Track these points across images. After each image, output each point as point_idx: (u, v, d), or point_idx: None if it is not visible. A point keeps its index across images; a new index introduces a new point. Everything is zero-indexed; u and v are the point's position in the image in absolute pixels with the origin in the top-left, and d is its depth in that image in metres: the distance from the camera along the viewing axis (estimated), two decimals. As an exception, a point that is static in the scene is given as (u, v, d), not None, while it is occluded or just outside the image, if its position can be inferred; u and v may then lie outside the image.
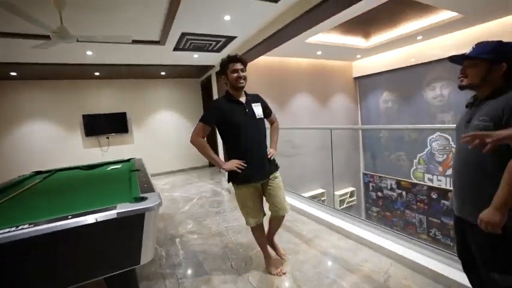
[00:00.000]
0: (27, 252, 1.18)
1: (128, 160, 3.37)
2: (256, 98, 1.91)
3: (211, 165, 6.83)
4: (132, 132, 6.04)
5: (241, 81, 1.73)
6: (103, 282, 1.47)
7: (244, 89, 1.82)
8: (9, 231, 1.14)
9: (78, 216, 1.26)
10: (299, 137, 5.87)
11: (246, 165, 1.74)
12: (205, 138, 1.86)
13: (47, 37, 2.83)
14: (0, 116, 4.93)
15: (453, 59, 1.19)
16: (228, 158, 1.82)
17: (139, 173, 2.35)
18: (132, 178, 2.17)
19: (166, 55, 4.32)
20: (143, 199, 1.50)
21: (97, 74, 5.14)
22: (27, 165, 4.82)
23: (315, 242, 2.39)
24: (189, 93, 6.65)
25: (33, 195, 2.04)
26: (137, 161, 3.15)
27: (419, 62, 5.35)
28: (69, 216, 1.26)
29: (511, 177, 0.91)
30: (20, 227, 1.17)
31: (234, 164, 1.74)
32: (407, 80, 5.79)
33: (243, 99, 1.81)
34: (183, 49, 4.07)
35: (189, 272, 2.11)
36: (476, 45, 1.13)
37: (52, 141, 5.37)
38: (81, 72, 4.94)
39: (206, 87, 6.43)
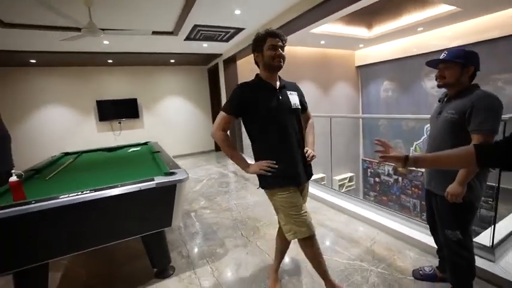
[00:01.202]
0: (89, 210, 1.53)
1: (146, 143, 3.71)
2: (294, 86, 1.57)
3: (217, 149, 7.19)
4: (143, 117, 6.36)
5: (280, 59, 1.40)
6: (140, 240, 1.83)
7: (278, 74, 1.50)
8: (77, 195, 1.49)
9: (126, 185, 1.60)
10: None
11: (277, 166, 1.39)
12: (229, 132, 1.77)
13: (71, 29, 3.12)
14: (21, 102, 5.26)
15: (429, 63, 1.47)
16: (257, 159, 1.47)
17: (162, 154, 2.69)
18: (156, 158, 2.50)
19: (178, 44, 4.56)
20: (173, 173, 1.85)
21: (110, 61, 5.40)
22: (47, 148, 5.21)
23: (314, 216, 2.72)
24: (196, 80, 6.90)
25: (77, 170, 2.39)
26: (154, 144, 3.49)
27: (420, 53, 5.53)
28: (119, 185, 1.60)
29: None
30: (84, 192, 1.52)
31: (262, 165, 1.40)
32: (407, 70, 5.98)
33: (276, 84, 1.47)
34: (194, 39, 4.30)
35: (206, 239, 2.48)
36: (449, 51, 1.40)
37: (68, 126, 5.72)
38: (95, 60, 5.20)
39: (213, 75, 6.68)
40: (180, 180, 1.72)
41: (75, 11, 2.69)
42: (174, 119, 6.73)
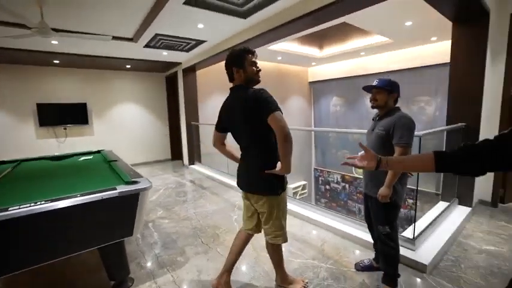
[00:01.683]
0: (43, 223, 1.46)
1: (98, 152, 3.52)
2: None
3: (173, 158, 7.03)
4: (93, 123, 5.94)
5: (259, 74, 1.59)
6: (96, 252, 1.78)
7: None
8: (30, 206, 1.42)
9: (87, 195, 1.57)
10: None
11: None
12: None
13: (18, 25, 2.88)
14: None
15: (364, 88, 1.79)
16: (268, 161, 1.50)
17: (119, 163, 2.62)
18: (114, 167, 2.43)
19: (136, 51, 4.45)
20: (135, 182, 1.85)
21: (56, 61, 4.98)
22: (-27, 155, 4.53)
23: (271, 221, 2.94)
24: (153, 87, 6.72)
25: (19, 181, 2.19)
26: (109, 153, 3.34)
27: (363, 74, 6.30)
28: (78, 195, 1.57)
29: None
30: (38, 203, 1.45)
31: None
32: (353, 88, 6.74)
33: None
34: (153, 47, 4.27)
35: (165, 248, 2.48)
36: (380, 79, 1.73)
37: (1, 131, 5.05)
38: (37, 59, 4.75)
39: (171, 82, 6.59)
40: (144, 189, 1.74)
41: (25, 8, 2.51)
42: (128, 126, 6.43)
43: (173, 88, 6.55)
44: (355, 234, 2.41)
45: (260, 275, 2.01)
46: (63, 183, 2.04)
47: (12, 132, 5.16)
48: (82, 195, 1.57)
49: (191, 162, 6.08)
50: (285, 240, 1.66)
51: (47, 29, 2.46)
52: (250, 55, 1.53)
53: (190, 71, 5.68)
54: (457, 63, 2.84)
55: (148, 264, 2.21)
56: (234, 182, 4.31)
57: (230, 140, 1.74)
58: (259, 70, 1.57)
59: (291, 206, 3.18)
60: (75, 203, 1.52)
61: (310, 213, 2.95)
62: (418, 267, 1.93)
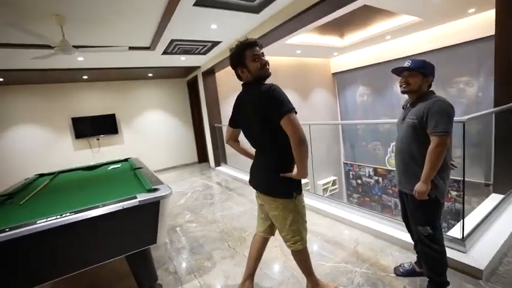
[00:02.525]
0: (68, 235, 1.49)
1: (126, 160, 3.63)
2: None
3: (200, 161, 7.14)
4: (122, 132, 6.22)
5: (268, 67, 1.40)
6: (124, 260, 1.80)
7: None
8: (56, 218, 1.45)
9: (108, 205, 1.58)
10: None
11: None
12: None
13: (44, 46, 3.05)
14: (-12, 122, 4.99)
15: (394, 71, 1.59)
16: (282, 163, 1.40)
17: (143, 170, 2.66)
18: (138, 175, 2.47)
19: (155, 58, 4.55)
20: (156, 190, 1.84)
21: (85, 77, 5.27)
22: (21, 171, 4.96)
23: (299, 222, 2.81)
24: (175, 93, 6.87)
25: (54, 192, 2.30)
26: (135, 160, 3.42)
27: (389, 59, 5.87)
28: (100, 205, 1.58)
29: (430, 159, 1.33)
30: (64, 215, 1.48)
31: None
32: (379, 75, 6.31)
33: None
34: (171, 53, 4.32)
35: (192, 253, 2.46)
36: (413, 60, 1.52)
37: (43, 145, 5.47)
38: (69, 76, 5.06)
39: (193, 87, 6.69)
40: (164, 196, 1.72)
41: (47, 30, 2.65)
42: (154, 133, 6.64)
43: (195, 92, 6.64)
44: (392, 234, 2.20)
45: (289, 281, 1.90)
46: (91, 194, 2.09)
47: (53, 145, 5.57)
48: (104, 205, 1.58)
49: (217, 163, 6.12)
50: (304, 245, 1.51)
51: (68, 47, 2.56)
52: (248, 50, 1.36)
53: (209, 73, 5.71)
54: (503, 35, 2.47)
55: (176, 270, 2.21)
56: None
57: (241, 137, 1.66)
58: (265, 63, 1.38)
59: (319, 204, 3.02)
60: (98, 214, 1.53)
61: (340, 211, 2.77)
62: (471, 273, 1.68)
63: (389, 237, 2.20)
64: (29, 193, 2.30)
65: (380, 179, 6.87)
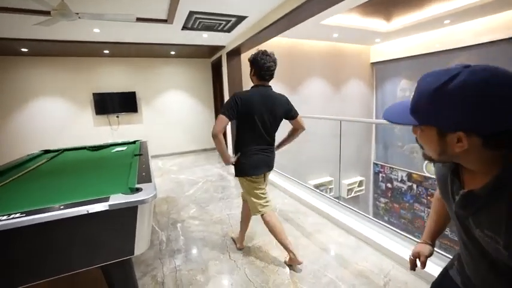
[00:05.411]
0: (19, 240, 1.18)
1: (134, 142, 3.37)
2: None
3: (219, 148, 6.83)
4: (142, 111, 6.05)
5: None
6: (99, 270, 1.48)
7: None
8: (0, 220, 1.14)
9: (71, 207, 1.24)
10: (310, 123, 5.73)
11: None
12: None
13: (42, 12, 2.77)
14: (12, 93, 5.01)
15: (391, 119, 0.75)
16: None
17: (141, 158, 2.33)
18: (132, 164, 2.15)
19: (175, 34, 4.18)
20: (138, 190, 1.48)
21: (106, 51, 5.07)
22: (40, 143, 4.96)
23: (316, 237, 2.35)
24: (199, 74, 6.53)
25: (40, 176, 2.07)
26: (142, 144, 3.13)
27: (444, 49, 4.96)
28: (61, 207, 1.25)
29: None
30: (12, 216, 1.17)
31: None
32: (429, 67, 5.39)
33: None
34: (191, 28, 3.91)
35: (187, 260, 2.13)
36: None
37: (64, 119, 5.46)
38: (90, 50, 4.89)
39: (217, 68, 6.27)
40: (142, 201, 1.35)
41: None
42: (175, 114, 6.40)
43: (219, 74, 6.23)
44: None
45: None
46: (75, 183, 1.82)
47: (74, 119, 5.54)
48: (66, 207, 1.25)
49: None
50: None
51: (67, 11, 2.24)
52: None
53: (234, 54, 5.23)
54: None
55: (164, 280, 1.88)
56: (279, 180, 3.80)
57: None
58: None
59: (342, 216, 2.52)
60: (55, 218, 1.20)
61: (369, 230, 2.26)
62: None
63: (431, 276, 1.66)
64: (18, 173, 2.10)
65: (414, 186, 6.12)
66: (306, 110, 5.85)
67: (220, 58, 5.78)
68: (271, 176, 4.06)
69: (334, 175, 5.98)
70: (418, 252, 0.87)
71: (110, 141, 3.44)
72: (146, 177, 1.74)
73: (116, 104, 5.70)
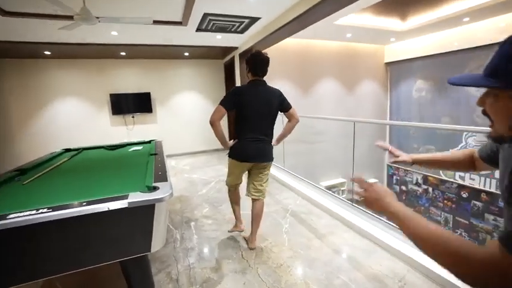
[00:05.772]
0: (45, 233, 1.25)
1: (149, 142, 3.43)
2: None
3: (231, 148, 6.89)
4: (156, 112, 6.19)
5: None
6: (118, 265, 1.54)
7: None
8: (30, 214, 1.20)
9: (93, 204, 1.30)
10: (322, 124, 5.69)
11: None
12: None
13: (71, 17, 2.88)
14: (36, 93, 5.25)
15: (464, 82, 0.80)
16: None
17: (157, 158, 2.38)
18: (149, 163, 2.20)
19: (189, 36, 4.26)
20: (155, 188, 1.52)
21: (123, 53, 5.23)
22: (61, 141, 5.16)
23: (329, 239, 2.34)
24: (212, 75, 6.62)
25: (57, 175, 2.15)
26: (157, 144, 3.18)
27: (462, 48, 4.82)
28: (84, 203, 1.30)
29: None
30: (40, 210, 1.23)
31: None
32: (446, 67, 5.27)
33: None
34: (205, 30, 3.97)
35: (200, 258, 2.16)
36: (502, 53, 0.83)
37: (83, 119, 5.66)
38: (108, 52, 5.05)
39: (229, 69, 6.33)
40: (159, 200, 1.39)
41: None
42: (187, 115, 6.51)
43: (231, 75, 6.28)
44: (454, 282, 1.62)
45: None
46: (97, 180, 1.89)
47: (92, 119, 5.73)
48: (88, 203, 1.31)
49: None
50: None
51: (89, 15, 2.33)
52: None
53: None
54: None
55: (178, 277, 1.92)
56: (291, 181, 3.79)
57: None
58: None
59: (355, 219, 2.50)
60: (78, 213, 1.25)
61: (383, 234, 2.22)
62: None
63: (451, 284, 1.63)
64: (42, 170, 2.20)
65: (430, 189, 5.91)
66: (318, 111, 5.85)
67: (233, 59, 5.83)
68: (283, 176, 4.05)
69: (346, 176, 5.90)
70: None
71: (126, 140, 3.54)
72: (162, 176, 1.79)
73: (131, 104, 5.86)
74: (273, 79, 5.59)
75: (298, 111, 2.20)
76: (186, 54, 5.69)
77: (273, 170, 4.43)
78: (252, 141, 2.07)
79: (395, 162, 1.08)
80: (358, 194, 0.75)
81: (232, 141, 2.19)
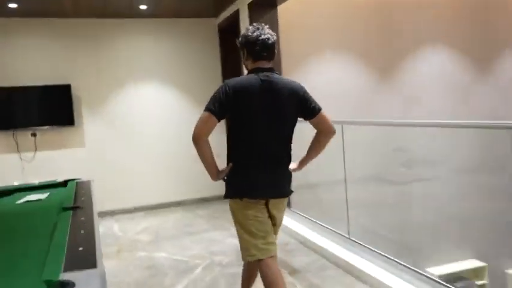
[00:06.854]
0: None
1: (64, 183, 3.51)
2: None
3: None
4: (83, 123, 6.24)
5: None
6: None
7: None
8: None
9: None
10: (423, 143, 5.58)
11: None
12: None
13: None
14: None
15: None
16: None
17: (77, 216, 2.34)
18: (58, 229, 2.05)
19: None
20: (64, 286, 1.33)
21: (12, 5, 5.26)
22: None
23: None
24: (194, 48, 6.79)
25: None
26: (81, 187, 3.30)
27: None
28: None
29: None
30: None
31: None
32: None
33: None
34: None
35: None
36: None
37: None
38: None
39: (229, 35, 6.45)
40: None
41: None
42: (148, 128, 6.65)
43: (232, 47, 6.31)
44: None
45: None
46: None
47: None
48: None
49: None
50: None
51: None
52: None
53: (264, 6, 5.39)
54: None
55: None
56: (367, 265, 3.70)
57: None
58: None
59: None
60: None
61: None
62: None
63: None
64: None
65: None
66: (412, 111, 5.77)
67: (236, 15, 5.94)
68: (345, 254, 4.07)
69: (487, 258, 5.65)
70: None
71: (16, 181, 3.49)
72: (85, 257, 1.62)
73: (33, 109, 5.92)
74: (311, 59, 5.55)
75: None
76: (143, 7, 5.78)
77: (324, 242, 4.48)
78: (258, 166, 2.35)
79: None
80: None
81: (226, 167, 2.43)
